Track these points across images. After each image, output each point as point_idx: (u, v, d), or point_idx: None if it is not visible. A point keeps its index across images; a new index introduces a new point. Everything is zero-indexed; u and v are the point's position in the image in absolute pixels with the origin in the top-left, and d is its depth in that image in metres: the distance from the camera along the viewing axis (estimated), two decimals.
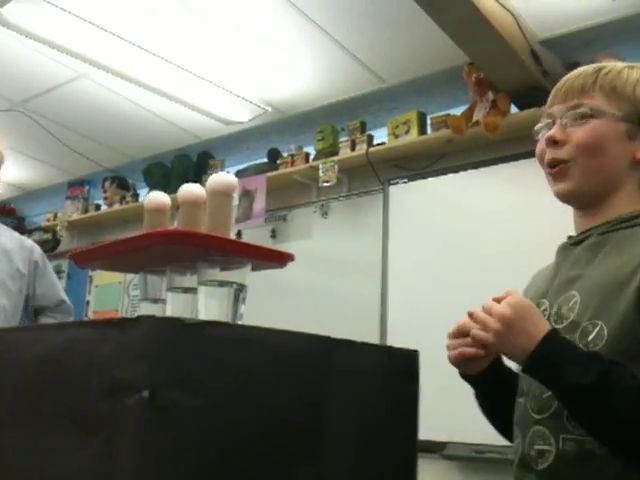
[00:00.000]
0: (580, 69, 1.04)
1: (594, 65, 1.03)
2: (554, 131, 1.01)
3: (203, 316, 1.06)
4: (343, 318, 3.06)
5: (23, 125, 3.82)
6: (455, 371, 1.08)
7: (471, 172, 2.93)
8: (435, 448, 2.68)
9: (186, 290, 1.16)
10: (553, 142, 1.01)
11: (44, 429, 0.86)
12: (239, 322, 1.08)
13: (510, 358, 0.93)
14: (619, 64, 1.03)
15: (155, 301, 1.23)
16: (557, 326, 0.93)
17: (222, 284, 1.12)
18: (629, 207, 0.98)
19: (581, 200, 1.02)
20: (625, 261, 0.90)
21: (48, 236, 4.54)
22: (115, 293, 4.24)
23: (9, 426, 0.93)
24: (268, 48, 2.97)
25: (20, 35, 2.88)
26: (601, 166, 0.99)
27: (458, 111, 2.95)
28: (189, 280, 1.18)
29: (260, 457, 0.79)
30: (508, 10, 2.47)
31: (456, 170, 2.99)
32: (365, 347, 0.87)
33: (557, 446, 0.89)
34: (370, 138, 3.28)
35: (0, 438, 0.94)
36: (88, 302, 4.40)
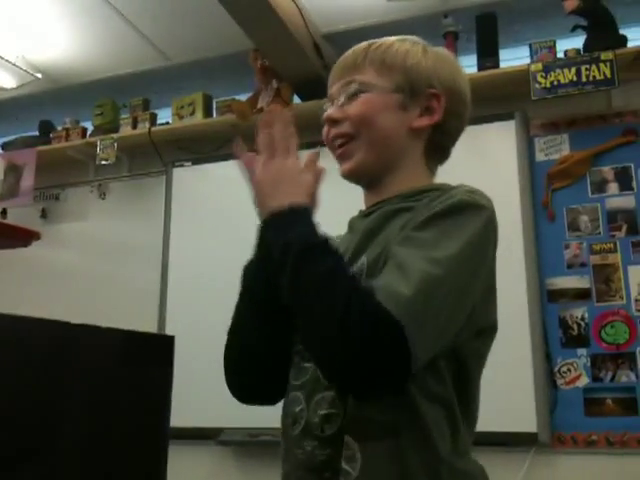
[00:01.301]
0: (354, 47, 1.04)
1: (367, 42, 1.04)
2: (331, 110, 1.01)
3: None
4: (120, 305, 2.92)
5: None
6: None
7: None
8: (211, 434, 2.67)
9: None
10: (332, 121, 1.01)
11: None
12: None
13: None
14: (390, 38, 1.04)
15: None
16: None
17: None
18: (413, 181, 1.00)
19: (365, 177, 1.03)
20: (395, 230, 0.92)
21: None
22: None
23: None
24: (38, 7, 2.70)
25: None
26: (378, 138, 0.99)
27: (245, 97, 2.94)
28: None
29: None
30: (294, 1, 2.51)
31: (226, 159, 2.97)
32: (112, 333, 0.80)
33: (345, 409, 0.88)
34: (153, 117, 3.15)
35: None
36: None
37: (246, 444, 2.64)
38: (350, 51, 1.04)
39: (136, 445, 0.85)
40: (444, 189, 0.94)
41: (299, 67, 2.67)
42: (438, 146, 1.03)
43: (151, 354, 0.84)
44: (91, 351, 0.77)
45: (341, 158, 1.02)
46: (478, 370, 0.94)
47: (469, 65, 2.59)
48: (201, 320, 2.70)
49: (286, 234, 0.84)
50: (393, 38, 1.04)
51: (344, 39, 2.78)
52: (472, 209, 0.88)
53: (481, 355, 0.94)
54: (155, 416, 0.89)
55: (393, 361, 0.77)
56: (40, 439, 0.72)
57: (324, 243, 0.83)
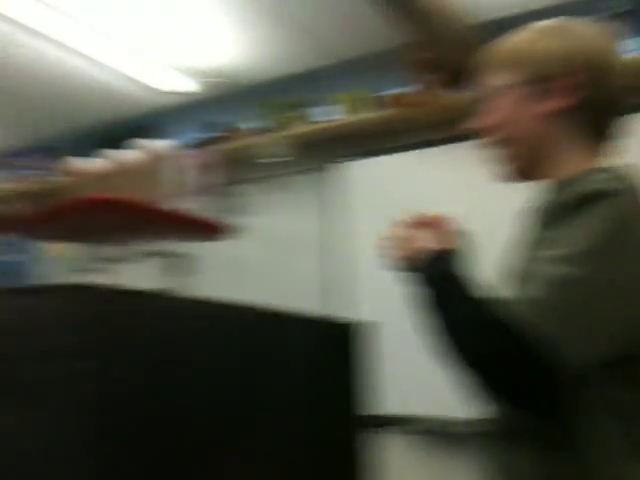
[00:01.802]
0: (486, 47, 1.05)
1: (496, 40, 1.04)
2: (473, 122, 1.03)
3: (133, 286, 1.03)
4: (291, 297, 3.03)
5: None
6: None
7: (425, 150, 2.94)
8: (402, 422, 2.69)
9: (115, 260, 1.13)
10: (477, 132, 1.03)
11: None
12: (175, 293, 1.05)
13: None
14: (517, 31, 1.03)
15: (94, 271, 1.19)
16: None
17: (151, 254, 1.09)
18: (573, 164, 0.96)
19: (525, 176, 1.02)
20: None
21: None
22: (65, 266, 4.13)
23: None
24: (207, 18, 2.90)
25: None
26: (522, 138, 0.99)
27: (410, 90, 2.95)
28: (124, 250, 1.15)
29: (186, 432, 0.78)
30: None
31: (409, 148, 2.98)
32: (296, 318, 0.85)
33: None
34: (316, 115, 3.25)
35: None
36: (39, 274, 4.28)
37: (440, 434, 2.65)
38: (483, 53, 1.04)
39: (333, 433, 0.89)
40: (590, 174, 0.90)
41: (457, 58, 2.65)
42: (592, 123, 0.98)
43: (333, 340, 0.88)
44: (278, 335, 0.82)
45: (497, 164, 1.03)
46: None
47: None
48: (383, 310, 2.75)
49: (427, 275, 0.87)
50: (520, 30, 1.03)
51: (502, 27, 2.70)
52: (603, 197, 0.82)
53: None
54: (343, 404, 0.93)
55: (540, 366, 0.76)
56: (240, 429, 0.78)
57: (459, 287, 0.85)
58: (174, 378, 0.75)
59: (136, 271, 1.15)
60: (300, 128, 3.21)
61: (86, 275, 1.25)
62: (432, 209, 0.98)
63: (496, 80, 1.00)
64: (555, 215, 0.85)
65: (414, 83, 2.88)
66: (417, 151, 2.97)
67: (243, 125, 3.47)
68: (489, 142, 1.02)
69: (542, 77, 0.97)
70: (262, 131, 3.35)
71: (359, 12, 2.74)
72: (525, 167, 1.01)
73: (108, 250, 1.21)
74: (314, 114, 3.24)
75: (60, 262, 4.20)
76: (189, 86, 3.44)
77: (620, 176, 0.87)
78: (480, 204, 2.53)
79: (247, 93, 3.45)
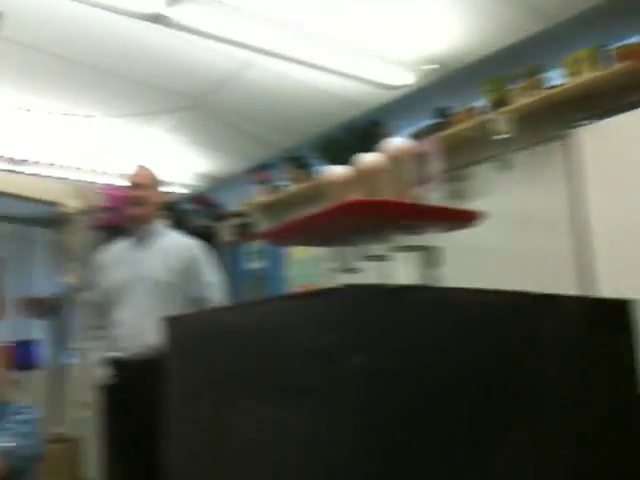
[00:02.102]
0: None
1: None
2: None
3: (398, 282, 1.08)
4: (533, 276, 2.94)
5: (204, 120, 4.11)
6: None
7: None
8: None
9: (378, 258, 1.20)
10: None
11: (259, 398, 0.93)
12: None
13: None
14: None
15: (349, 271, 1.28)
16: None
17: (411, 249, 1.14)
18: None
19: None
20: None
21: (241, 220, 4.87)
22: (311, 266, 4.43)
23: (228, 399, 1.02)
24: (421, 4, 2.91)
25: (190, 34, 3.08)
26: None
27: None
28: (379, 248, 1.21)
29: (471, 419, 0.80)
30: None
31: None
32: (564, 300, 0.83)
33: None
34: (544, 81, 3.09)
35: (223, 411, 1.04)
36: (287, 278, 4.65)
37: None
38: None
39: (616, 413, 0.87)
40: None
41: None
42: None
43: (606, 320, 0.85)
44: (548, 319, 0.82)
45: None
46: None
47: None
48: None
49: None
50: None
51: None
52: None
53: None
54: (620, 386, 0.90)
55: None
56: (528, 406, 0.79)
57: None
58: (456, 372, 0.78)
59: (381, 268, 1.20)
60: (526, 99, 3.08)
61: (334, 275, 1.34)
62: None
63: None
64: None
65: None
66: None
67: (469, 106, 3.42)
68: None
69: None
70: (489, 109, 3.27)
71: None
72: None
73: (357, 250, 1.28)
74: (540, 82, 3.08)
75: (304, 265, 4.51)
76: (410, 77, 3.48)
77: None
78: None
79: (469, 73, 3.40)
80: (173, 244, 2.93)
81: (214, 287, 2.93)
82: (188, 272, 2.86)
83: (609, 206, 2.79)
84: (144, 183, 2.96)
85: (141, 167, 3.06)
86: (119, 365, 2.81)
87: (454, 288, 0.81)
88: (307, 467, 0.79)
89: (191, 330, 1.10)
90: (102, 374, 2.86)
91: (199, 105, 3.94)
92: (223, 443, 1.01)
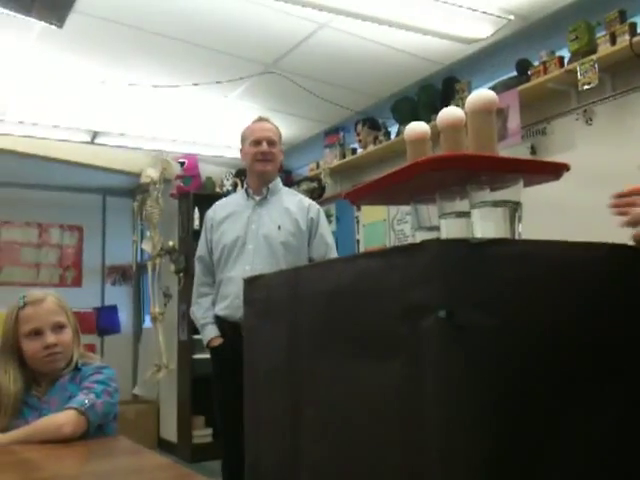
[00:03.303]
0: None
1: None
2: None
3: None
4: (615, 234, 2.81)
5: (276, 85, 4.10)
6: None
7: None
8: None
9: (459, 215, 1.16)
10: None
11: (344, 355, 0.93)
12: None
13: None
14: None
15: (429, 229, 1.25)
16: None
17: (496, 204, 1.10)
18: None
19: None
20: None
21: (314, 184, 4.88)
22: (381, 230, 4.43)
23: (312, 355, 1.02)
24: None
25: None
26: None
27: None
28: (459, 205, 1.18)
29: (558, 374, 0.77)
30: None
31: None
32: None
33: None
34: (633, 27, 2.91)
35: (307, 365, 1.04)
36: (358, 241, 4.66)
37: None
38: None
39: None
40: None
41: None
42: None
43: None
44: (631, 272, 0.77)
45: None
46: None
47: None
48: None
49: None
50: None
51: None
52: None
53: None
54: None
55: None
56: (623, 359, 0.76)
57: None
58: (541, 326, 0.75)
59: (461, 226, 1.16)
60: (613, 47, 2.91)
61: (420, 232, 1.30)
62: None
63: None
64: None
65: None
66: None
67: (552, 57, 3.27)
68: None
69: None
70: (573, 59, 3.11)
71: None
72: None
73: (437, 208, 1.25)
74: (629, 28, 2.89)
75: (374, 229, 4.49)
76: (489, 29, 3.35)
77: None
78: None
79: (550, 24, 3.24)
80: (292, 203, 2.86)
81: (331, 248, 2.88)
82: (307, 233, 2.81)
83: None
84: (271, 138, 2.86)
85: (263, 120, 2.95)
86: (227, 325, 2.75)
87: (538, 241, 0.78)
88: (399, 422, 0.78)
89: (274, 289, 1.11)
90: (209, 334, 2.80)
91: (271, 70, 3.93)
92: (309, 402, 1.02)
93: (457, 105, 3.38)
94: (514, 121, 3.25)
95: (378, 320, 0.86)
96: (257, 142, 2.84)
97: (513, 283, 0.76)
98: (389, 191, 1.35)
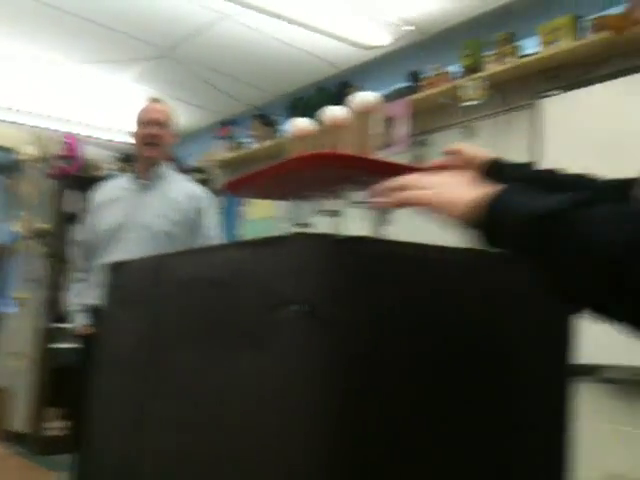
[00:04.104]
0: None
1: None
2: None
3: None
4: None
5: (172, 71, 3.99)
6: None
7: (633, 77, 2.65)
8: (592, 371, 2.56)
9: (333, 213, 1.16)
10: None
11: (211, 346, 0.91)
12: None
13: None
14: None
15: (304, 225, 1.24)
16: None
17: (366, 205, 1.10)
18: None
19: None
20: None
21: (202, 176, 4.78)
22: (265, 227, 4.41)
23: (177, 345, 0.99)
24: None
25: None
26: None
27: (616, 11, 2.67)
28: (337, 203, 1.18)
29: (414, 371, 0.79)
30: None
31: (617, 76, 2.72)
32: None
33: None
34: (519, 49, 3.06)
35: (170, 356, 1.00)
36: (240, 237, 4.62)
37: (630, 382, 2.48)
38: None
39: (545, 380, 0.87)
40: None
41: None
42: None
43: None
44: (496, 279, 0.80)
45: None
46: None
47: None
48: None
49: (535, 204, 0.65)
50: None
51: None
52: None
53: None
54: (557, 354, 0.90)
55: None
56: (481, 358, 0.78)
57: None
58: (404, 325, 0.76)
59: (335, 224, 1.17)
60: (499, 67, 3.05)
61: (293, 229, 1.30)
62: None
63: None
64: None
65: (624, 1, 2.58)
66: (628, 78, 2.67)
67: (442, 71, 3.38)
68: None
69: None
70: (462, 74, 3.23)
71: None
72: None
73: (311, 205, 1.25)
74: (514, 50, 3.05)
75: (258, 225, 4.48)
76: (387, 38, 3.42)
77: None
78: None
79: (445, 38, 3.35)
80: (179, 191, 2.69)
81: (215, 241, 2.72)
82: (191, 223, 2.65)
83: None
84: (161, 120, 2.67)
85: (156, 101, 2.76)
86: (99, 314, 2.62)
87: (405, 242, 0.79)
88: (257, 413, 0.77)
89: (136, 276, 1.06)
90: (80, 322, 2.64)
91: (168, 55, 3.82)
92: (164, 394, 0.98)
93: None
94: (402, 130, 3.33)
95: (242, 311, 0.84)
96: (146, 124, 2.67)
97: (373, 280, 0.77)
98: (269, 185, 1.33)
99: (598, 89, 2.77)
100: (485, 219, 0.68)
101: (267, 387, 0.74)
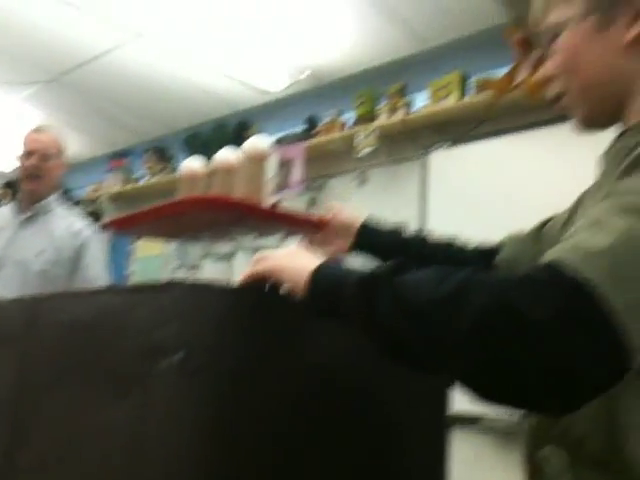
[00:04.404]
0: None
1: None
2: (543, 70, 0.89)
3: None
4: None
5: (64, 97, 3.87)
6: None
7: (513, 136, 2.84)
8: (468, 422, 2.65)
9: (221, 257, 1.15)
10: (546, 81, 0.90)
11: (80, 391, 0.87)
12: None
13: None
14: None
15: (192, 267, 1.23)
16: None
17: (258, 250, 1.11)
18: None
19: (602, 121, 0.88)
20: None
21: (91, 208, 4.61)
22: (156, 265, 4.30)
23: (46, 388, 0.94)
24: (305, 13, 2.92)
25: (58, 4, 2.88)
26: (589, 82, 0.84)
27: (503, 72, 2.86)
28: (225, 246, 1.17)
29: (296, 420, 0.79)
30: None
31: (498, 134, 2.90)
32: None
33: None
34: (410, 103, 3.21)
35: (42, 403, 0.95)
36: (129, 275, 4.47)
37: (508, 431, 2.58)
38: None
39: (421, 430, 0.90)
40: None
41: None
42: None
43: None
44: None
45: (564, 112, 0.89)
46: None
47: None
48: None
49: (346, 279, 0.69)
50: None
51: None
52: None
53: None
54: (438, 400, 0.93)
55: (583, 341, 0.55)
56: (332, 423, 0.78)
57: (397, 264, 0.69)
58: (281, 375, 0.77)
59: (224, 267, 1.17)
60: (390, 119, 3.19)
61: (176, 273, 1.28)
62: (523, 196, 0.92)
63: (554, 16, 0.85)
64: (632, 162, 0.68)
65: (513, 63, 2.78)
66: (509, 136, 2.87)
67: (337, 118, 3.48)
68: (553, 96, 0.89)
69: (605, 1, 0.80)
70: (356, 123, 3.35)
71: None
72: (594, 118, 0.87)
73: (201, 247, 1.24)
74: (406, 103, 3.20)
75: (147, 263, 4.38)
76: (284, 82, 3.49)
77: None
78: (576, 190, 2.40)
79: (342, 86, 3.47)
80: (62, 228, 2.50)
81: (98, 281, 2.52)
82: (72, 262, 2.47)
83: (443, 229, 2.93)
84: (43, 151, 2.48)
85: (39, 130, 2.56)
86: None
87: (254, 290, 0.80)
88: (130, 463, 0.74)
89: (7, 316, 1.00)
90: None
91: (59, 79, 3.70)
92: (34, 442, 0.92)
93: None
94: (297, 173, 3.38)
95: (117, 357, 0.81)
96: (27, 155, 2.51)
97: (254, 330, 0.77)
98: (156, 224, 1.31)
99: (482, 146, 2.95)
100: (309, 290, 0.73)
101: (142, 435, 0.72)
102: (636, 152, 0.69)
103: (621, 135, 0.83)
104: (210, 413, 0.72)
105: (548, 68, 0.88)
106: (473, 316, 0.56)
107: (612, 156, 0.82)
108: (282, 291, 0.80)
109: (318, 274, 0.73)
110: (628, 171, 0.68)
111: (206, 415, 0.72)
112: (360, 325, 0.68)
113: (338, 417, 0.82)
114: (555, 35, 0.85)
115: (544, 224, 1.05)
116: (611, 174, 0.76)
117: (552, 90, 0.88)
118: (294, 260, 0.79)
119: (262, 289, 0.81)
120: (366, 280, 0.67)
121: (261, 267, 0.81)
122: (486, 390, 0.59)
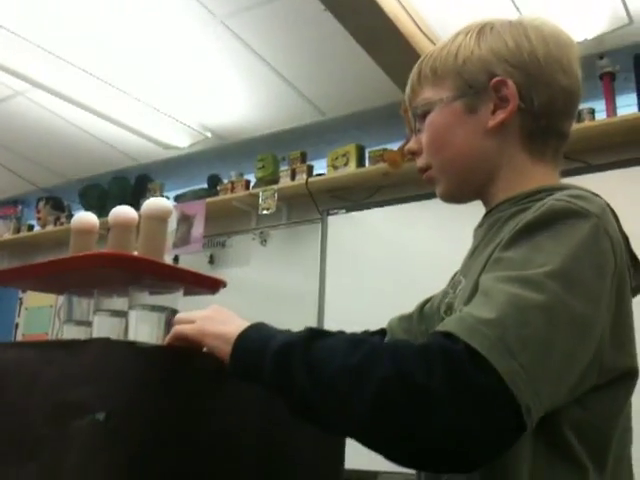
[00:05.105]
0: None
1: (422, 56, 0.93)
2: (409, 144, 0.94)
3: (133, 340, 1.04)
4: None
5: None
6: None
7: (407, 205, 2.99)
8: (367, 477, 2.68)
9: (114, 313, 1.15)
10: (412, 154, 0.94)
11: None
12: None
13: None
14: (444, 39, 0.91)
15: (80, 323, 1.21)
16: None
17: (153, 309, 1.11)
18: (521, 181, 0.85)
19: (462, 198, 0.93)
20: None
21: None
22: (46, 316, 4.12)
23: None
24: (209, 76, 3.00)
25: None
26: (454, 160, 0.89)
27: (396, 145, 3.03)
28: (118, 303, 1.17)
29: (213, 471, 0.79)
30: None
31: (392, 203, 3.05)
32: None
33: None
34: (310, 168, 3.32)
35: None
36: (17, 325, 4.25)
37: None
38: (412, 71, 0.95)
39: None
40: (552, 191, 0.78)
41: None
42: (538, 131, 0.85)
43: None
44: None
45: (429, 184, 0.94)
46: (618, 431, 0.75)
47: (628, 104, 2.51)
48: None
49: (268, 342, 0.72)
50: (445, 40, 0.91)
51: None
52: (572, 217, 0.71)
53: (618, 410, 0.76)
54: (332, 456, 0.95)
55: (478, 407, 0.60)
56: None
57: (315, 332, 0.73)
58: (203, 431, 0.77)
59: (117, 324, 1.17)
60: (291, 182, 3.29)
61: (66, 327, 1.26)
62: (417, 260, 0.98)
63: (424, 96, 0.90)
64: (514, 235, 0.72)
65: (406, 138, 2.95)
66: (401, 205, 3.01)
67: (240, 178, 3.54)
68: (419, 168, 0.93)
69: (472, 88, 0.86)
70: (258, 184, 3.42)
71: (353, 71, 2.84)
72: (456, 191, 0.92)
73: (93, 302, 1.23)
74: (307, 168, 3.31)
75: (37, 314, 4.20)
76: (187, 140, 3.52)
77: (590, 197, 0.75)
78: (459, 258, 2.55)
79: (244, 148, 3.54)
80: None
81: None
82: None
83: (339, 290, 3.03)
84: None
85: None
86: None
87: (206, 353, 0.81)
88: None
89: None
90: None
91: None
92: None
93: None
94: (198, 230, 3.38)
95: (24, 417, 0.78)
96: None
97: (173, 388, 0.77)
98: (47, 279, 1.28)
99: (376, 213, 3.08)
100: (230, 359, 0.74)
101: None
102: (517, 227, 0.73)
103: (490, 212, 0.89)
104: (123, 474, 0.71)
105: (413, 143, 0.93)
106: (375, 388, 0.61)
107: (485, 230, 0.88)
108: (203, 352, 0.80)
109: (238, 344, 0.74)
110: (511, 243, 0.72)
111: (124, 474, 0.70)
112: (276, 393, 0.71)
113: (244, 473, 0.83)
114: (424, 113, 0.89)
115: (424, 304, 1.09)
116: (487, 245, 0.82)
117: (419, 163, 0.93)
118: (215, 325, 0.79)
119: (182, 349, 0.81)
120: (283, 351, 0.70)
121: (182, 330, 0.81)
122: (390, 454, 0.64)
